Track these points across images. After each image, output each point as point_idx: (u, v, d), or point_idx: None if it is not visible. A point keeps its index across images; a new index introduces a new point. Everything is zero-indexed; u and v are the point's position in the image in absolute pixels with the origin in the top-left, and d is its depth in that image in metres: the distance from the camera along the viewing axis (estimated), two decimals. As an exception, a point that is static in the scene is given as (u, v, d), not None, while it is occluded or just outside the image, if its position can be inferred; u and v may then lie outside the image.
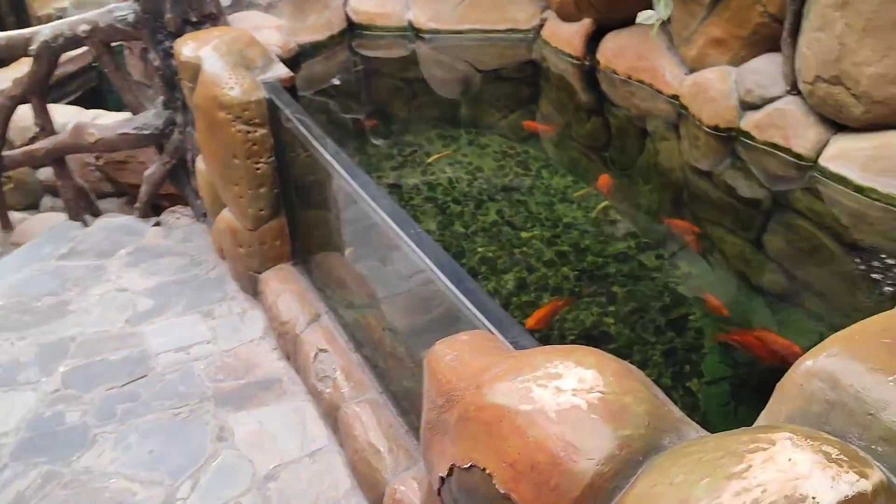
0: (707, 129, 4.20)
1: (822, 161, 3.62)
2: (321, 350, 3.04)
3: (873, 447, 1.07)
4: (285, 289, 3.42)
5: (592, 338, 2.94)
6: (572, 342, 2.91)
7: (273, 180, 3.35)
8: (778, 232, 3.58)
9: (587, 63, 5.21)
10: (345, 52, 5.60)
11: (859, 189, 3.45)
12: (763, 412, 1.28)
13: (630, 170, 4.28)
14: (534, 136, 4.61)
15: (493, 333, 1.67)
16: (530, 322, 2.92)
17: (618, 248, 3.48)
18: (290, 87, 3.30)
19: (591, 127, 4.82)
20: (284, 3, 5.29)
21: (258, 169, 3.28)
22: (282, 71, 3.33)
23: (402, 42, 5.76)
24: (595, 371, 1.25)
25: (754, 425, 1.24)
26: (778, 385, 1.25)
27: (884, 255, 3.19)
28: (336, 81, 5.22)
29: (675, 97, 4.51)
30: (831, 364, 1.17)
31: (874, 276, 3.09)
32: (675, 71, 4.54)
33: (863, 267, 3.16)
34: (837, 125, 3.63)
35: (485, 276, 3.28)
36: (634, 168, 4.29)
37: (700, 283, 3.29)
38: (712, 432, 1.22)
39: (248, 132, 3.19)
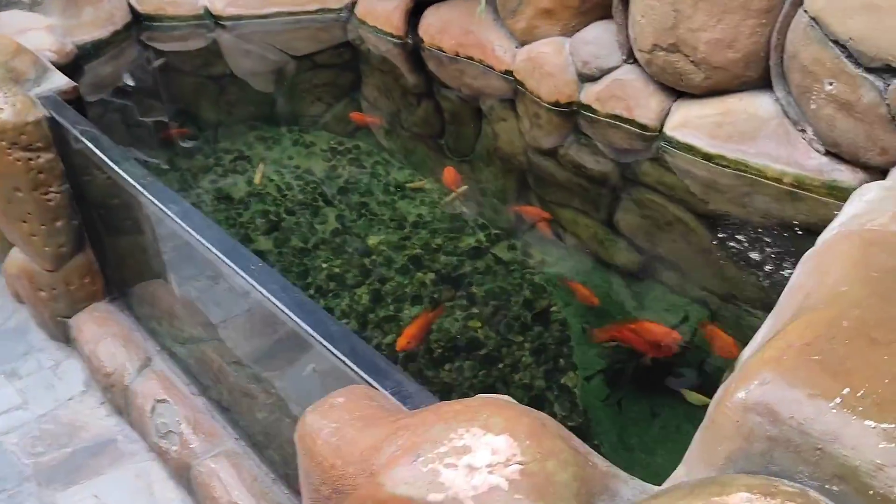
0: (547, 106, 4.20)
1: (668, 130, 3.69)
2: (158, 401, 2.82)
3: (828, 487, 1.01)
4: (105, 332, 3.15)
5: (461, 347, 2.85)
6: (441, 354, 2.81)
7: (70, 211, 3.05)
8: (630, 208, 3.62)
9: (410, 41, 5.08)
10: (134, 49, 5.16)
11: (708, 157, 3.54)
12: (695, 450, 1.20)
13: (470, 156, 4.21)
14: (363, 129, 4.45)
15: (370, 386, 1.52)
16: (402, 342, 2.78)
17: (469, 243, 3.41)
18: (74, 100, 3.01)
19: (422, 112, 4.71)
20: (51, -2, 4.78)
21: (49, 200, 2.98)
22: (61, 81, 3.04)
23: (200, 32, 5.40)
24: (507, 436, 1.12)
25: (695, 477, 1.16)
26: (710, 419, 1.17)
27: (737, 222, 3.29)
28: (129, 84, 4.81)
29: (509, 73, 4.47)
30: (767, 394, 1.10)
31: (730, 244, 3.19)
32: (506, 45, 4.50)
33: (719, 235, 3.25)
34: (679, 92, 3.70)
35: (335, 293, 3.11)
36: (474, 153, 4.22)
37: (558, 270, 3.28)
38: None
39: (30, 159, 2.87)
